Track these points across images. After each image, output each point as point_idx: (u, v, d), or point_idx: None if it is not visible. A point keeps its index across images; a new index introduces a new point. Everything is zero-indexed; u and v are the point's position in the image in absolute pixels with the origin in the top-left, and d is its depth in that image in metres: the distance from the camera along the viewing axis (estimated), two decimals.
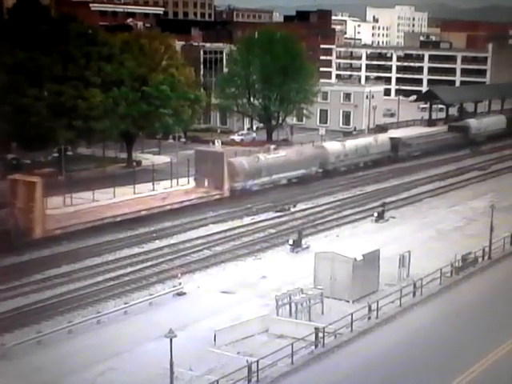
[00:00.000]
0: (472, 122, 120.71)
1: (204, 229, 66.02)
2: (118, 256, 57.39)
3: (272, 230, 65.96)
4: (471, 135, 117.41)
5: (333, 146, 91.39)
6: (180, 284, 49.22)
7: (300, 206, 75.54)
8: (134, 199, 72.07)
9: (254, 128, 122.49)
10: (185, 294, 48.91)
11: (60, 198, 68.63)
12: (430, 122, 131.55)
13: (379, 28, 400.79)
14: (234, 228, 66.56)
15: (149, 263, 55.65)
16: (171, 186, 77.60)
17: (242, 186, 77.93)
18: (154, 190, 76.02)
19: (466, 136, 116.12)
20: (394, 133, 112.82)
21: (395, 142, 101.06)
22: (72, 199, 69.26)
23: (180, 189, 77.19)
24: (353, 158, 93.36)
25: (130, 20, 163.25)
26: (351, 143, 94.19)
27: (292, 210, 74.02)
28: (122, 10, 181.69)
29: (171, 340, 31.77)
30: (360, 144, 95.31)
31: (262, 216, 71.39)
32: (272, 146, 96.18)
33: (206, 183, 76.16)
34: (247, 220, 69.94)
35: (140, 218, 67.19)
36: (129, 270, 54.17)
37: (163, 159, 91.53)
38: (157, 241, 61.86)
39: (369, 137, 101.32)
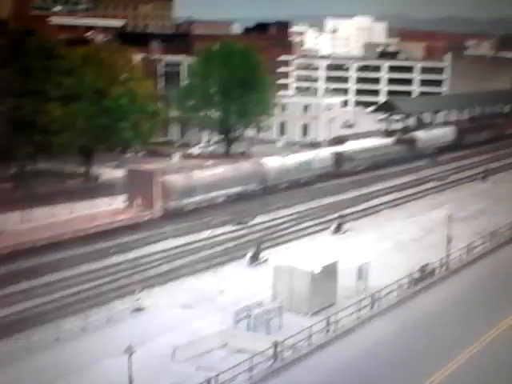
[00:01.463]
0: (419, 135, 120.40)
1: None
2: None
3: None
4: (418, 148, 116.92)
5: (272, 162, 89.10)
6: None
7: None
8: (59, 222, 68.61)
9: (214, 140, 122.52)
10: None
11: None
12: (388, 133, 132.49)
13: (338, 38, 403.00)
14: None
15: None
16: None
17: (176, 205, 75.19)
18: (111, 204, 75.36)
19: (413, 149, 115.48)
20: (350, 144, 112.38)
21: (338, 157, 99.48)
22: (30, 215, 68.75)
23: (110, 209, 74.09)
24: (294, 174, 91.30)
25: (90, 33, 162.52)
26: (292, 158, 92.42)
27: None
28: (81, 23, 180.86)
29: (130, 356, 31.85)
30: (302, 159, 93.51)
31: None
32: (208, 163, 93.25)
33: (138, 203, 73.66)
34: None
35: (51, 245, 62.20)
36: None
37: (122, 173, 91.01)
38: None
39: (310, 152, 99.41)
